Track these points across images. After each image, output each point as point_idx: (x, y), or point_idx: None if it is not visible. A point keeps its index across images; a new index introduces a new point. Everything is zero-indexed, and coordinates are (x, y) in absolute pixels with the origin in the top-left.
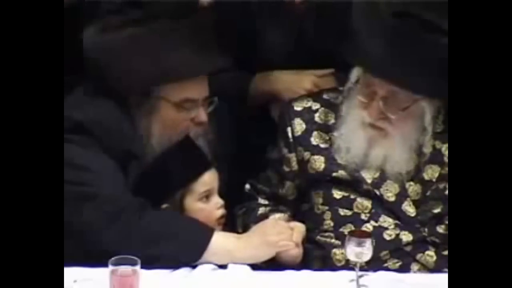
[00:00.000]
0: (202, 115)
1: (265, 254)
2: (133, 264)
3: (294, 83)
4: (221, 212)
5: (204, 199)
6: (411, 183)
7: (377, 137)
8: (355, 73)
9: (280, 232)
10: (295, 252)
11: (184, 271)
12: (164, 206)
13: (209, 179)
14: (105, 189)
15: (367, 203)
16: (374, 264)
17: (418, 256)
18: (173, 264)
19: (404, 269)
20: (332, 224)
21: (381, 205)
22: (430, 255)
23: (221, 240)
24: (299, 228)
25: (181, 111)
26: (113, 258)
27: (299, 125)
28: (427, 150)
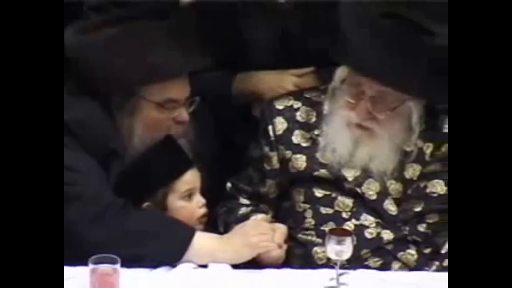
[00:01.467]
0: (183, 115)
1: (246, 255)
2: (114, 262)
3: (274, 83)
4: (203, 211)
5: (186, 197)
6: (392, 181)
7: (363, 137)
8: (340, 73)
9: (261, 233)
10: (276, 253)
11: (164, 270)
12: (145, 204)
13: (191, 177)
14: (89, 189)
15: (349, 202)
16: (355, 263)
17: (399, 254)
18: (155, 263)
19: (385, 267)
20: (313, 222)
21: (362, 204)
22: (411, 254)
23: (202, 241)
24: (281, 229)
25: (163, 111)
26: (93, 257)
27: (280, 124)
28: (412, 149)
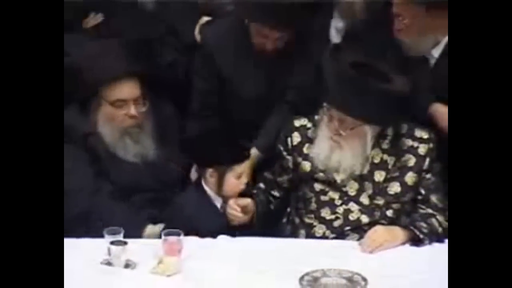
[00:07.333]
0: (131, 111)
1: None
2: (178, 234)
3: None
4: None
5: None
6: (367, 182)
7: (334, 148)
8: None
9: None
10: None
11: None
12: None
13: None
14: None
15: (338, 194)
16: (341, 236)
17: None
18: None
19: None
20: (315, 206)
21: (346, 197)
22: None
23: None
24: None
25: (115, 108)
26: (165, 231)
27: (296, 138)
28: (376, 160)
